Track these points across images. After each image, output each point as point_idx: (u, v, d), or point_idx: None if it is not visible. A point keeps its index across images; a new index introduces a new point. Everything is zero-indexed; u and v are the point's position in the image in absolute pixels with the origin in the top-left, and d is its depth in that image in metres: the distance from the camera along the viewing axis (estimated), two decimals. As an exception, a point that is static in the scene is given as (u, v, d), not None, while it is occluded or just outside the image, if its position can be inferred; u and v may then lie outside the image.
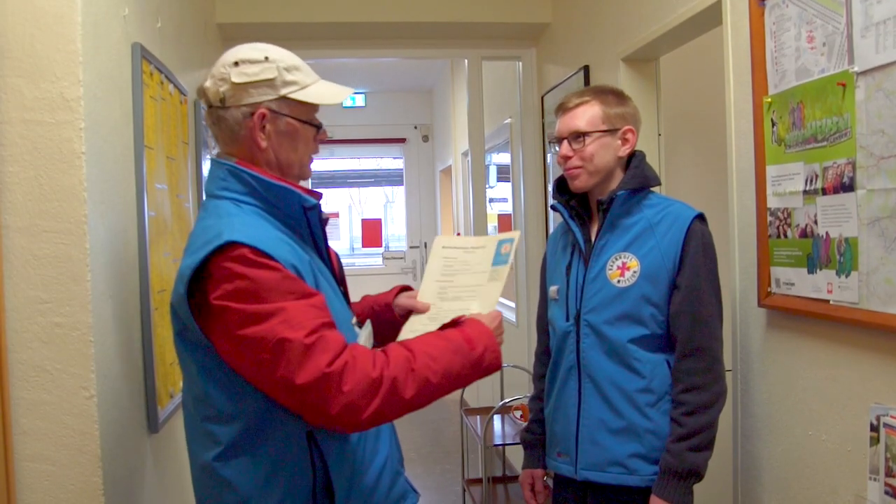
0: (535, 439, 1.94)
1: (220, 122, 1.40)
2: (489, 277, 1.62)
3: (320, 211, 1.44)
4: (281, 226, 1.38)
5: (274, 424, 1.32)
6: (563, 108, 1.81)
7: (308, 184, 1.60)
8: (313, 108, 1.44)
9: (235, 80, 1.36)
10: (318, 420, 1.28)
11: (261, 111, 1.37)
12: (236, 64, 1.37)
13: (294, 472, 1.33)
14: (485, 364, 1.38)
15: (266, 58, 1.38)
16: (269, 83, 1.37)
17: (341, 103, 1.53)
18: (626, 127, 1.76)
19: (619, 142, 1.76)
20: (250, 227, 1.30)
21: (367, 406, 1.24)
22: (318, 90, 1.43)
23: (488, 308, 1.52)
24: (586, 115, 1.76)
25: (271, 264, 1.25)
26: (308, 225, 1.42)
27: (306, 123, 1.43)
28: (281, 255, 1.28)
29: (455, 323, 1.46)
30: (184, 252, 1.35)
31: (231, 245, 1.24)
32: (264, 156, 1.41)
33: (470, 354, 1.36)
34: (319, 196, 1.44)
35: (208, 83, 1.40)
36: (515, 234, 1.67)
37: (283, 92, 1.39)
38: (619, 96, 1.80)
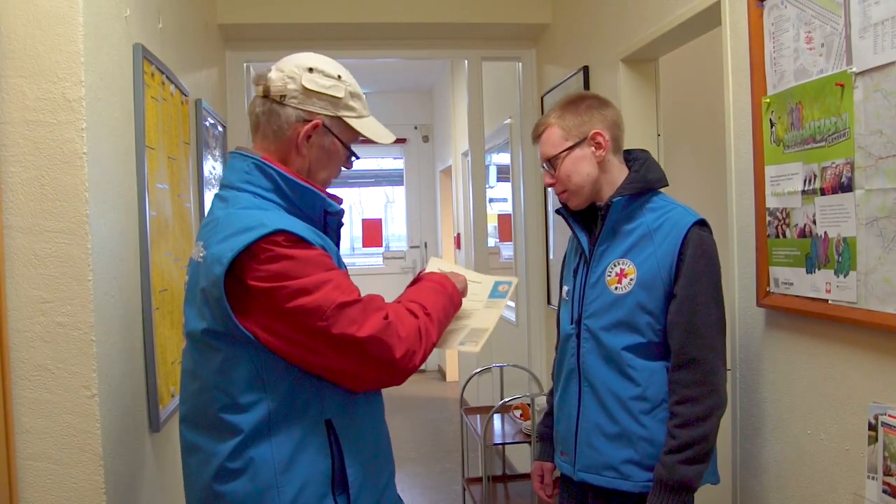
0: (548, 432, 1.95)
1: (270, 115, 1.42)
2: (485, 305, 1.71)
3: (341, 216, 1.48)
4: None
5: (295, 411, 1.34)
6: (533, 138, 1.83)
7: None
8: (355, 137, 1.50)
9: (306, 84, 1.41)
10: (380, 372, 1.35)
11: (316, 121, 1.42)
12: (311, 70, 1.42)
13: (313, 461, 1.35)
14: (456, 298, 1.59)
15: (339, 77, 1.45)
16: (333, 100, 1.43)
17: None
18: (592, 131, 1.72)
19: (592, 148, 1.73)
20: (283, 217, 1.35)
21: (419, 350, 1.38)
22: (371, 124, 1.50)
23: (484, 326, 1.63)
24: (550, 139, 1.76)
25: (309, 245, 1.33)
26: (325, 228, 1.45)
27: (346, 149, 1.49)
28: (314, 240, 1.35)
29: (417, 279, 1.61)
30: (205, 239, 1.36)
31: (276, 232, 1.29)
32: (299, 162, 1.44)
33: (445, 292, 1.55)
34: (341, 201, 1.48)
35: (274, 74, 1.42)
36: (514, 280, 1.78)
37: (341, 113, 1.45)
38: (577, 104, 1.76)
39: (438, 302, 1.50)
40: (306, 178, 1.44)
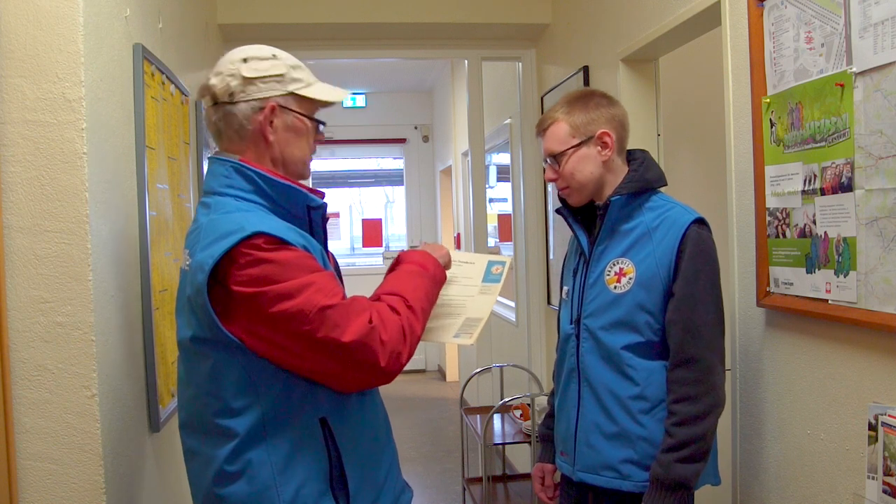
0: (549, 434, 1.95)
1: (227, 118, 1.42)
2: (479, 291, 1.67)
3: (324, 211, 1.47)
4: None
5: (289, 412, 1.34)
6: (538, 130, 1.81)
7: (309, 183, 1.62)
8: (315, 107, 1.49)
9: (246, 74, 1.40)
10: (366, 375, 1.34)
11: (271, 104, 1.41)
12: (245, 60, 1.42)
13: (310, 459, 1.35)
14: (439, 276, 1.56)
15: (274, 55, 1.44)
16: (277, 79, 1.42)
17: (341, 103, 1.57)
18: (600, 131, 1.72)
19: (598, 148, 1.72)
20: (264, 219, 1.35)
21: (403, 351, 1.36)
22: (322, 88, 1.49)
23: (478, 316, 1.60)
24: (556, 134, 1.74)
25: (289, 247, 1.32)
26: (310, 224, 1.44)
27: (310, 120, 1.47)
28: (295, 240, 1.34)
29: (397, 262, 1.57)
30: (191, 247, 1.36)
31: (255, 235, 1.29)
32: (270, 151, 1.44)
33: (427, 274, 1.52)
34: (323, 195, 1.48)
35: (214, 80, 1.42)
36: (507, 259, 1.75)
37: (291, 88, 1.44)
38: (586, 101, 1.75)
39: (420, 288, 1.48)
40: (284, 173, 1.44)
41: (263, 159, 1.43)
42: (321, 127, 1.51)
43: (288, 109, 1.44)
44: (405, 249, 1.66)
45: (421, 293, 1.47)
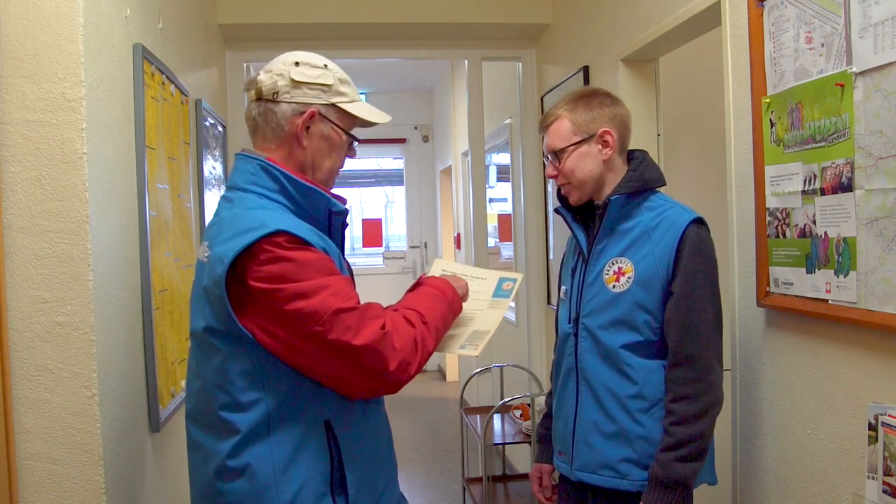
0: (547, 434, 1.95)
1: (267, 115, 1.44)
2: (489, 305, 1.70)
3: (345, 216, 1.49)
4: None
5: (294, 412, 1.35)
6: (541, 127, 1.82)
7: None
8: (353, 123, 1.51)
9: (295, 77, 1.43)
10: (373, 382, 1.35)
11: (312, 110, 1.44)
12: (297, 64, 1.44)
13: (312, 461, 1.36)
14: (456, 305, 1.59)
15: (325, 66, 1.48)
16: (324, 88, 1.45)
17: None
18: (602, 129, 1.72)
19: (599, 146, 1.73)
20: (286, 218, 1.36)
21: (413, 361, 1.38)
22: (363, 107, 1.52)
23: (486, 329, 1.62)
24: (558, 131, 1.75)
25: (310, 248, 1.33)
26: (329, 228, 1.46)
27: (346, 134, 1.50)
28: (315, 242, 1.36)
29: (417, 284, 1.60)
30: (210, 239, 1.37)
31: (277, 232, 1.30)
32: (301, 155, 1.46)
33: (445, 298, 1.55)
34: (345, 201, 1.49)
35: (263, 76, 1.45)
36: (518, 276, 1.77)
37: (334, 100, 1.47)
38: (589, 99, 1.76)
39: (437, 309, 1.50)
40: (311, 178, 1.46)
41: (293, 162, 1.45)
42: (355, 144, 1.53)
43: (327, 119, 1.46)
44: (427, 273, 1.69)
45: (437, 314, 1.49)
